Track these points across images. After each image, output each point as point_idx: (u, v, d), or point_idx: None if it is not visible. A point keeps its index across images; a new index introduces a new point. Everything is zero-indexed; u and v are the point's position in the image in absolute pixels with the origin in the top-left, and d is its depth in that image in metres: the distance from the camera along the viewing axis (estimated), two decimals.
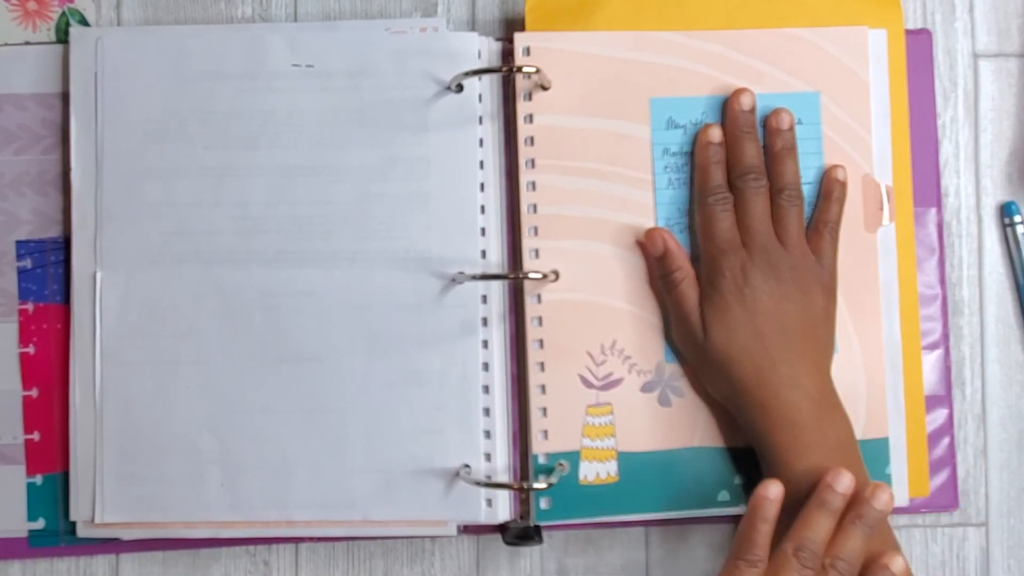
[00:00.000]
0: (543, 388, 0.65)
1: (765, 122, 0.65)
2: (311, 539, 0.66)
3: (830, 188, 0.65)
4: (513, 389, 0.66)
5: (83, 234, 0.66)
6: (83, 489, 0.65)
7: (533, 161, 0.66)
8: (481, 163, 0.66)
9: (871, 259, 0.66)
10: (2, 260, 0.67)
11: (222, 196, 0.66)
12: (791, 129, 0.65)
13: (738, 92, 0.65)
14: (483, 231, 0.66)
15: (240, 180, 0.66)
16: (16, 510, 0.66)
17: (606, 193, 0.66)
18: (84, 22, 0.68)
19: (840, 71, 0.67)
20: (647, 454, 0.65)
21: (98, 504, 0.65)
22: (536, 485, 0.63)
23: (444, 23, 0.66)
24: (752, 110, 0.65)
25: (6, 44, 0.68)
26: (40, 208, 0.67)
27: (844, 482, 0.58)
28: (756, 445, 0.63)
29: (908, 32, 0.68)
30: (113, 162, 0.66)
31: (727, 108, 0.65)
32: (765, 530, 0.57)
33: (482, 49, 0.66)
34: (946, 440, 0.67)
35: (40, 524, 0.66)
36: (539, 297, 0.65)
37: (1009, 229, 0.69)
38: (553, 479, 0.63)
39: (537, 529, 0.64)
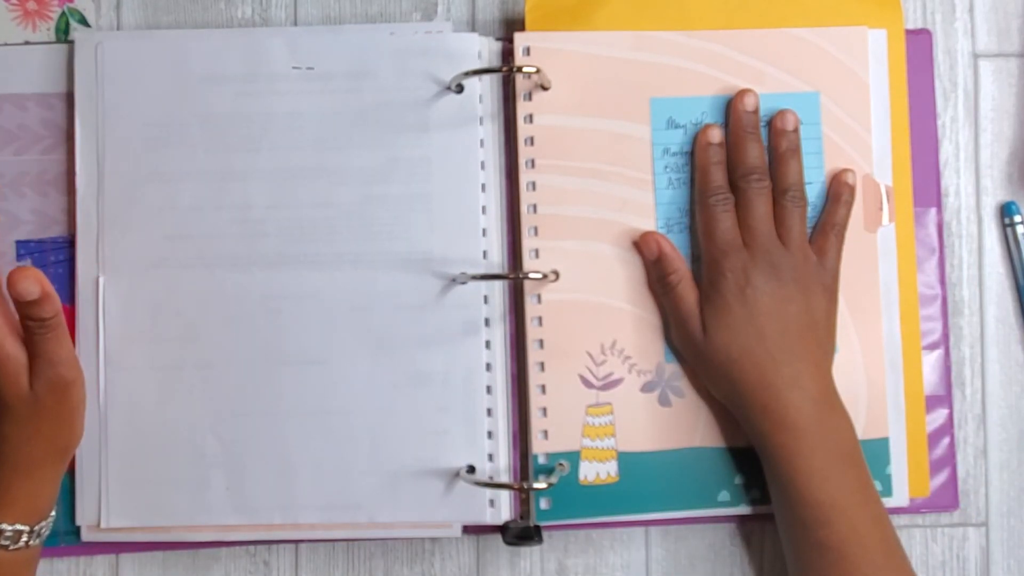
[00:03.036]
0: (543, 388, 0.65)
1: (770, 123, 0.66)
2: (311, 540, 0.66)
3: (839, 191, 0.65)
4: (513, 389, 0.66)
5: (86, 239, 0.66)
6: (88, 494, 0.65)
7: (533, 161, 0.66)
8: (482, 163, 0.66)
9: (871, 259, 0.66)
10: (2, 260, 0.67)
11: (224, 199, 0.66)
12: (796, 130, 0.65)
13: (742, 93, 0.65)
14: (484, 231, 0.66)
15: (241, 183, 0.66)
16: None
17: (606, 193, 0.66)
18: (84, 22, 0.68)
19: (840, 71, 0.67)
20: (647, 454, 0.65)
21: (103, 509, 0.65)
22: (536, 485, 0.63)
23: (449, 27, 0.66)
24: (756, 111, 0.65)
25: (6, 44, 0.68)
26: (40, 208, 0.67)
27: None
28: (758, 446, 0.63)
29: (908, 32, 0.68)
30: (114, 167, 0.66)
31: (731, 108, 0.65)
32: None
33: (482, 49, 0.66)
34: (946, 440, 0.67)
35: None
36: (539, 297, 0.65)
37: (1009, 229, 0.69)
38: (553, 479, 0.63)
39: (537, 529, 0.64)
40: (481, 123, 0.66)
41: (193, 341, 0.65)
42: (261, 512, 0.65)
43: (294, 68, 0.66)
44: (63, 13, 0.68)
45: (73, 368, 0.60)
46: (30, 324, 0.57)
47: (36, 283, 0.56)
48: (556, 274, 0.65)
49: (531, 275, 0.64)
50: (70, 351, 0.60)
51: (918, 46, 0.69)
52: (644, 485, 0.65)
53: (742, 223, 0.64)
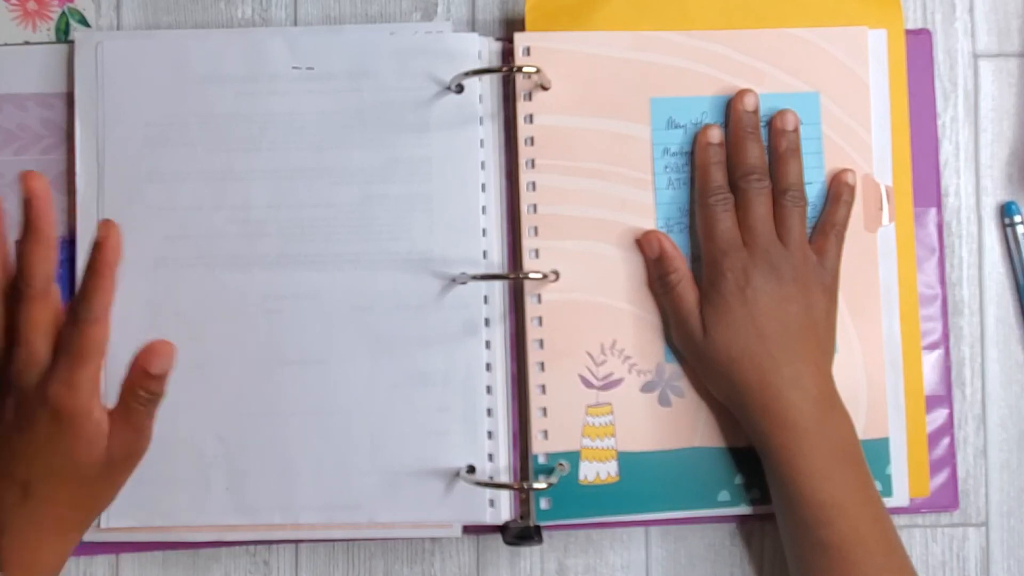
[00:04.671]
0: (543, 388, 0.65)
1: (770, 123, 0.66)
2: (311, 540, 0.66)
3: (839, 191, 0.65)
4: (513, 389, 0.66)
5: (86, 239, 0.65)
6: None
7: (533, 161, 0.66)
8: (482, 163, 0.66)
9: (871, 259, 0.66)
10: None
11: (224, 199, 0.66)
12: (796, 130, 0.65)
13: (742, 93, 0.65)
14: (484, 231, 0.66)
15: (241, 183, 0.66)
16: None
17: (606, 193, 0.66)
18: (84, 22, 0.69)
19: (840, 71, 0.67)
20: (647, 454, 0.65)
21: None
22: (536, 485, 0.63)
23: (449, 27, 0.66)
24: (756, 111, 0.65)
25: (6, 44, 0.68)
26: None
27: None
28: (758, 446, 0.63)
29: (908, 32, 0.68)
30: (114, 166, 0.66)
31: (731, 108, 0.66)
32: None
33: (482, 49, 0.66)
34: (946, 440, 0.67)
35: None
36: (539, 297, 0.65)
37: (1009, 229, 0.69)
38: (553, 479, 0.63)
39: (537, 529, 0.64)
40: (481, 123, 0.66)
41: (193, 341, 0.65)
42: (261, 512, 0.65)
43: (294, 68, 0.66)
44: (63, 13, 0.68)
45: (149, 440, 0.57)
46: (140, 394, 0.55)
47: (170, 360, 0.55)
48: (556, 274, 0.65)
49: (531, 275, 0.64)
50: (152, 422, 0.57)
51: (918, 46, 0.69)
52: (644, 485, 0.65)
53: (742, 223, 0.64)
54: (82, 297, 0.54)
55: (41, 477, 0.55)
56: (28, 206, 0.53)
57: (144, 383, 0.55)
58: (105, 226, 0.54)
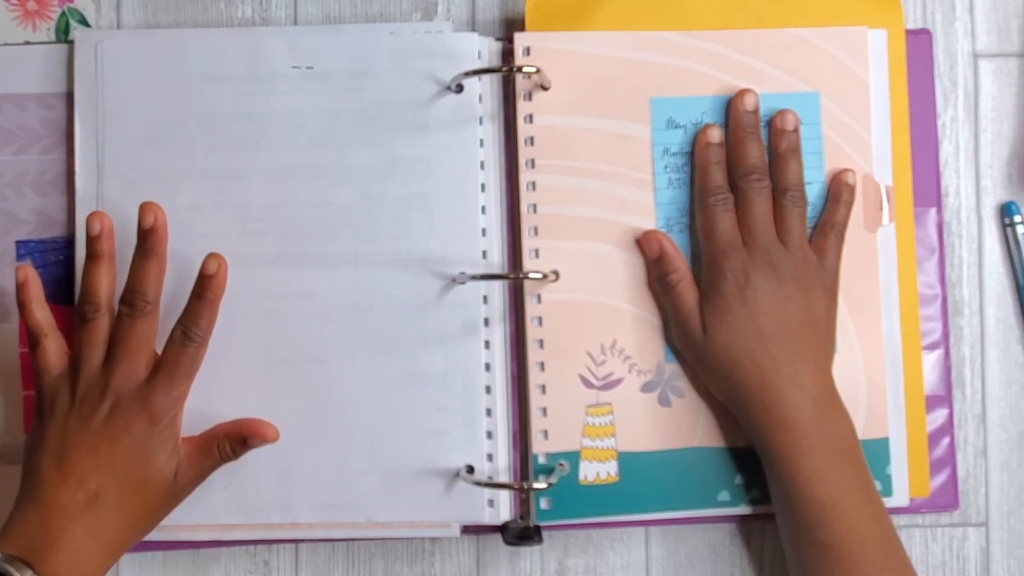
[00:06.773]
0: (543, 388, 0.65)
1: (770, 123, 0.66)
2: (311, 540, 0.66)
3: (839, 191, 0.65)
4: (513, 389, 0.66)
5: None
6: None
7: (533, 161, 0.66)
8: (482, 163, 0.66)
9: (871, 259, 0.66)
10: (2, 260, 0.67)
11: (223, 199, 0.66)
12: (796, 130, 0.65)
13: (742, 92, 0.65)
14: (484, 231, 0.66)
15: (241, 182, 0.66)
16: None
17: (606, 193, 0.66)
18: (84, 22, 0.69)
19: (840, 71, 0.67)
20: (647, 454, 0.65)
21: None
22: (536, 485, 0.63)
23: (449, 27, 0.66)
24: (756, 111, 0.65)
25: (6, 44, 0.68)
26: (40, 208, 0.67)
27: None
28: (758, 445, 0.63)
29: (908, 32, 0.68)
30: (114, 166, 0.66)
31: (731, 108, 0.66)
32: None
33: (482, 49, 0.66)
34: (946, 440, 0.67)
35: None
36: (539, 297, 0.65)
37: (1009, 229, 0.69)
38: (553, 479, 0.63)
39: (537, 529, 0.64)
40: (481, 123, 0.66)
41: None
42: (260, 511, 0.65)
43: (294, 68, 0.66)
44: (63, 13, 0.68)
45: (199, 484, 0.63)
46: (226, 447, 0.62)
47: (267, 443, 0.62)
48: (556, 274, 0.65)
49: (531, 275, 0.64)
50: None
51: (918, 46, 0.69)
52: (644, 485, 0.65)
53: (742, 223, 0.64)
54: (192, 322, 0.61)
55: (113, 485, 0.59)
56: (150, 233, 0.61)
57: (235, 442, 0.62)
58: (216, 260, 0.61)
